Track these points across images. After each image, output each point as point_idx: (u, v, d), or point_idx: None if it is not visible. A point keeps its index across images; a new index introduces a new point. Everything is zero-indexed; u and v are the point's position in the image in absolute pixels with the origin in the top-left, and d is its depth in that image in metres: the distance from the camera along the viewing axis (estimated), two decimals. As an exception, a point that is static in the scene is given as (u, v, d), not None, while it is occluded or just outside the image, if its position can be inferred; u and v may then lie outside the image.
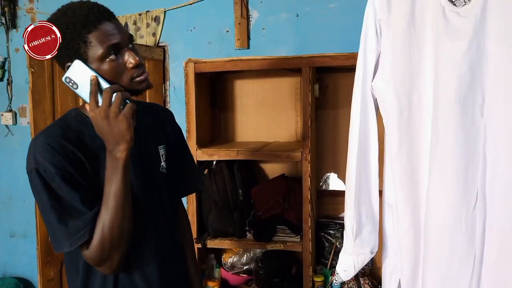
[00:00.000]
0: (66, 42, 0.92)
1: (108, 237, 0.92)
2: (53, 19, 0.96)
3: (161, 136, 1.15)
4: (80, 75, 0.91)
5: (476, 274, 1.14)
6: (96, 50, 0.92)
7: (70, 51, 0.93)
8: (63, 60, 0.95)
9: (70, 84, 0.92)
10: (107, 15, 0.96)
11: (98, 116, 0.89)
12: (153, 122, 1.14)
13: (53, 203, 0.91)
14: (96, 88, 0.90)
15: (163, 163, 1.13)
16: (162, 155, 1.13)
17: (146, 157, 1.08)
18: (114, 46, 0.92)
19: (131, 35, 0.98)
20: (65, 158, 0.92)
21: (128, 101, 0.92)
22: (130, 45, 0.98)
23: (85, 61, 0.92)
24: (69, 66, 0.93)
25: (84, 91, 0.92)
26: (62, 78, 0.94)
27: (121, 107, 0.90)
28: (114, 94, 0.90)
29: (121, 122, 0.89)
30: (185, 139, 1.31)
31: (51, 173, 0.90)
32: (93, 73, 0.90)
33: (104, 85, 0.91)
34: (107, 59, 0.92)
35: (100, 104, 0.90)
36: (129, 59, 0.95)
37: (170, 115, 1.25)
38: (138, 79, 0.97)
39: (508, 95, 1.08)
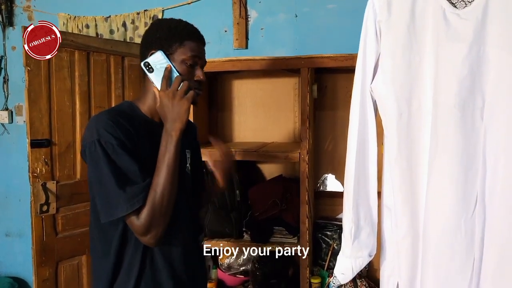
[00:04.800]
0: (168, 36, 1.13)
1: (158, 204, 1.04)
2: (163, 19, 1.23)
3: (187, 142, 1.27)
4: (158, 63, 1.11)
5: (475, 279, 1.13)
6: (183, 53, 1.13)
7: (165, 43, 1.12)
8: (151, 46, 1.13)
9: (147, 68, 1.12)
10: (203, 41, 1.20)
11: (166, 95, 1.08)
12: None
13: (113, 171, 1.02)
14: (169, 74, 1.10)
15: (188, 165, 1.27)
16: (188, 157, 1.27)
17: (186, 157, 1.23)
18: (196, 57, 1.15)
19: (206, 62, 1.22)
20: (124, 133, 1.05)
21: (190, 89, 1.10)
22: (203, 68, 1.20)
23: (168, 55, 1.12)
24: (153, 53, 1.12)
25: (156, 76, 1.11)
26: (141, 62, 1.13)
27: (185, 93, 1.08)
28: (182, 82, 1.09)
29: (183, 104, 1.07)
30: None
31: (112, 144, 1.03)
32: (169, 63, 1.11)
33: (175, 75, 1.11)
34: (185, 63, 1.13)
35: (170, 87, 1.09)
36: (200, 74, 1.16)
37: (195, 129, 1.44)
38: (196, 91, 1.14)
39: (509, 99, 1.07)
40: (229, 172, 1.44)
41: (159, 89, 1.11)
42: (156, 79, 1.11)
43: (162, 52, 1.11)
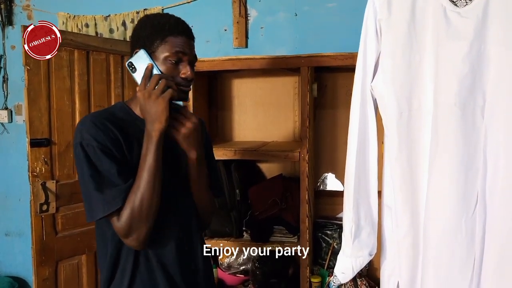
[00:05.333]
0: (150, 33, 1.09)
1: (138, 208, 1.02)
2: (149, 15, 1.16)
3: None
4: (140, 62, 1.08)
5: (476, 279, 1.13)
6: (165, 50, 1.08)
7: (146, 41, 1.09)
8: (136, 46, 1.11)
9: (131, 68, 1.09)
10: (189, 35, 1.13)
11: (142, 96, 1.04)
12: None
13: (92, 173, 1.03)
14: (149, 73, 1.06)
15: None
16: None
17: (177, 157, 1.19)
18: (179, 53, 1.09)
19: (196, 57, 1.16)
20: (106, 135, 1.05)
21: (169, 88, 1.04)
22: (193, 63, 1.14)
23: (150, 53, 1.08)
24: (136, 52, 1.09)
25: (139, 76, 1.08)
26: (126, 62, 1.10)
27: (162, 92, 1.03)
28: (160, 81, 1.04)
29: (159, 104, 1.02)
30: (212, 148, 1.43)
31: (93, 147, 1.03)
32: (150, 62, 1.07)
33: (156, 73, 1.07)
34: (168, 61, 1.08)
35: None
36: (185, 70, 1.10)
37: (203, 124, 1.36)
38: (182, 88, 1.11)
39: (510, 97, 1.07)
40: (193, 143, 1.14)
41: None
42: (138, 79, 1.08)
43: (144, 50, 1.08)
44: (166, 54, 1.08)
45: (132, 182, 1.04)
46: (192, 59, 1.13)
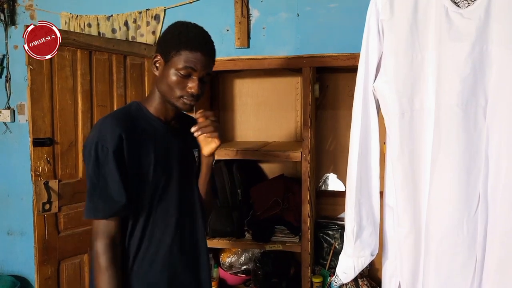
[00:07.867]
0: (168, 42, 1.12)
1: None
2: (177, 23, 1.17)
3: (194, 142, 1.27)
4: None
5: (477, 279, 1.13)
6: (177, 62, 1.10)
7: (163, 49, 1.13)
8: (156, 51, 1.16)
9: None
10: (205, 51, 1.13)
11: None
12: (189, 129, 1.23)
13: (93, 176, 1.06)
14: None
15: (197, 163, 1.31)
16: (196, 156, 1.30)
17: (186, 156, 1.25)
18: (189, 68, 1.10)
19: (210, 74, 1.16)
20: (124, 140, 1.06)
21: None
22: (204, 79, 1.15)
23: (166, 61, 1.12)
24: (155, 56, 1.15)
25: None
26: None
27: None
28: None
29: None
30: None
31: (107, 151, 1.04)
32: None
33: None
34: (178, 73, 1.10)
35: None
36: (193, 85, 1.12)
37: None
38: (185, 100, 1.13)
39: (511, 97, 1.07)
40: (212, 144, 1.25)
41: None
42: None
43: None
44: (177, 66, 1.10)
45: (125, 204, 1.07)
46: (203, 75, 1.14)
